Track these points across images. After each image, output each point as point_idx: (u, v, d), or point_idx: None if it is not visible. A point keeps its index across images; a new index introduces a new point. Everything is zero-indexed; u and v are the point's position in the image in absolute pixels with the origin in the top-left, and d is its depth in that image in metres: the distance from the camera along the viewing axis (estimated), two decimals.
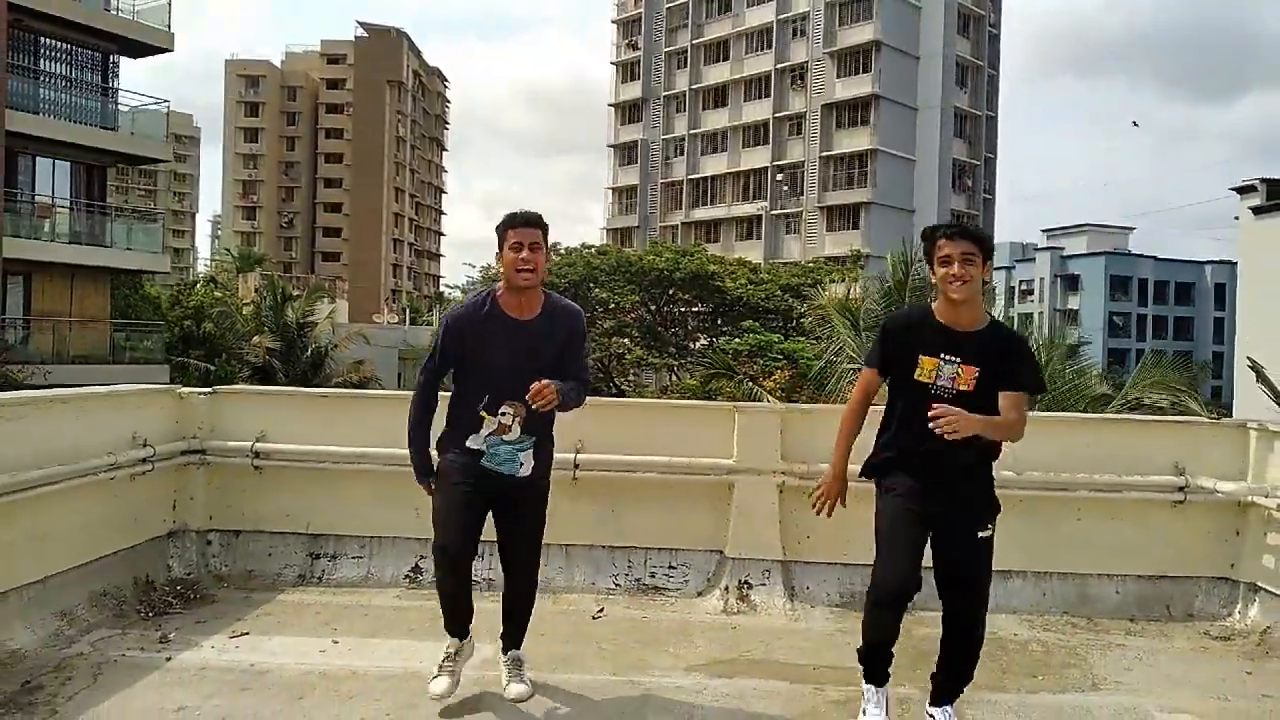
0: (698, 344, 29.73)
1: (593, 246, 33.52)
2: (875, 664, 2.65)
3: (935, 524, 2.57)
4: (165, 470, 3.93)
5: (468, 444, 2.62)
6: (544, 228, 2.63)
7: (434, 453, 2.80)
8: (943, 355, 2.49)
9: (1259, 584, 3.72)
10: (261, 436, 4.07)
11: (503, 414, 2.55)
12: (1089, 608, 3.84)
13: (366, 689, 2.87)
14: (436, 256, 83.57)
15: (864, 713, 2.62)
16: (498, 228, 2.64)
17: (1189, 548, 3.86)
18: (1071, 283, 53.74)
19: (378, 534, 4.09)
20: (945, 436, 2.36)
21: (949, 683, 2.64)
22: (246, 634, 3.35)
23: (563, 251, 31.04)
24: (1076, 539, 3.87)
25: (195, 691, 2.82)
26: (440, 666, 2.75)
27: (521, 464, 2.64)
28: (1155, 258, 56.27)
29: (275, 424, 4.11)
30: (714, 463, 3.96)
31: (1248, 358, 18.93)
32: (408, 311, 51.49)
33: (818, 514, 2.74)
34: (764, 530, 3.92)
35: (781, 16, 45.09)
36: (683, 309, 30.70)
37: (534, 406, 2.47)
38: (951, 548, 2.57)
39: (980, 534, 2.55)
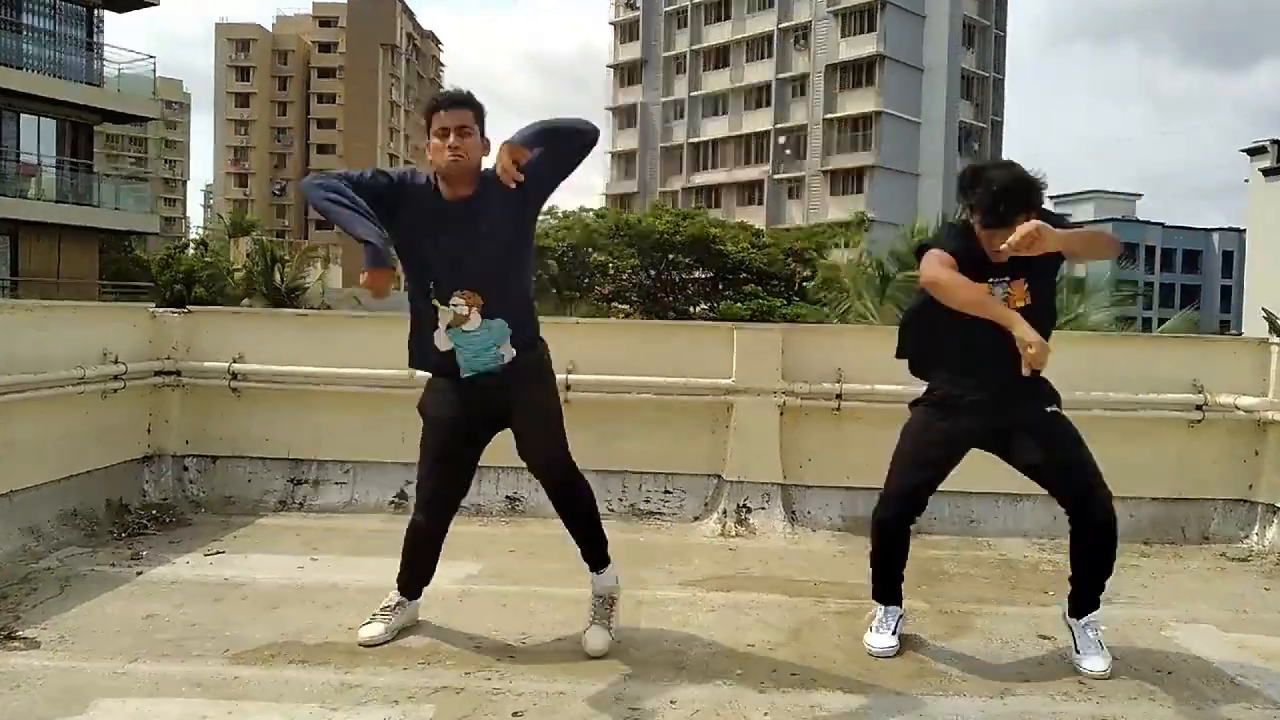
0: (698, 309, 29.48)
1: (591, 210, 33.07)
2: (884, 580, 2.53)
3: (1002, 434, 2.42)
4: (139, 390, 3.77)
5: (436, 344, 2.35)
6: (476, 108, 2.32)
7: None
8: (991, 279, 2.35)
9: (1278, 505, 3.58)
10: (239, 358, 3.90)
11: (455, 304, 2.30)
12: None
13: (346, 600, 2.73)
14: None
15: (871, 629, 2.51)
16: (423, 111, 2.36)
17: (1206, 469, 3.71)
18: None
19: (362, 459, 3.94)
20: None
21: (1089, 586, 2.47)
22: (221, 552, 3.22)
23: (560, 215, 30.64)
24: None
25: (166, 601, 2.69)
26: (375, 615, 2.47)
27: (502, 355, 2.35)
28: (1163, 225, 55.72)
29: (253, 345, 3.94)
30: (712, 383, 3.79)
31: (1262, 309, 18.70)
32: (401, 279, 51.12)
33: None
34: (764, 452, 3.77)
35: None
36: (683, 274, 30.35)
37: (509, 184, 2.16)
38: (1034, 441, 2.40)
39: (1048, 408, 2.41)
